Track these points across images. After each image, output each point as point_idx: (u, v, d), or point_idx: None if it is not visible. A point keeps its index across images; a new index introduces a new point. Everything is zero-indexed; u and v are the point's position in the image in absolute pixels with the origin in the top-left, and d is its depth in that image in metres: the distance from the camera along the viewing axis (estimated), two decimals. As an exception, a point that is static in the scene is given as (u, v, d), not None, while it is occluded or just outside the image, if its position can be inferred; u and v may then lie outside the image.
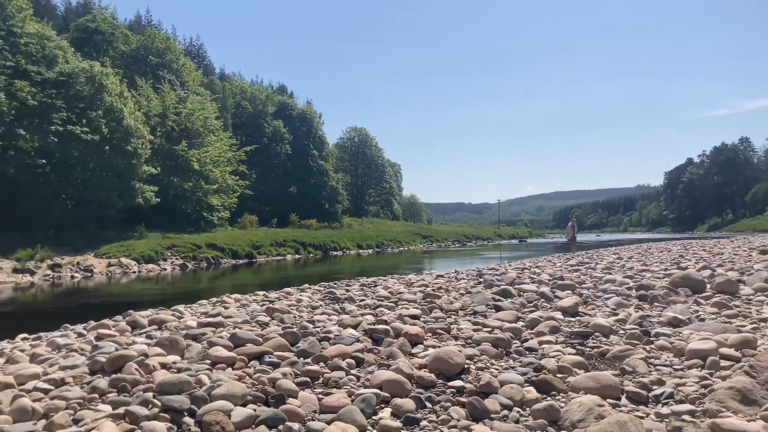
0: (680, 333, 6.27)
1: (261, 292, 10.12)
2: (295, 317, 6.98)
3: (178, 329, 6.41)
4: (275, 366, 4.87)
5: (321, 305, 8.17)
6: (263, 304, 8.27)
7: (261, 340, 5.54)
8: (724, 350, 5.29)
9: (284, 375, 4.58)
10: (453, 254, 39.80)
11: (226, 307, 8.20)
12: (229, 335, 5.67)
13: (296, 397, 4.24)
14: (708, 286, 9.67)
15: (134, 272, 23.71)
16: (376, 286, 10.91)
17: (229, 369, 4.79)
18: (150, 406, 3.97)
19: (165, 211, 34.94)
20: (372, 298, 8.70)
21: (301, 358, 5.05)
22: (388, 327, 6.02)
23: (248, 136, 53.65)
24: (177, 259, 27.19)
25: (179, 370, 4.67)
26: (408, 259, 34.57)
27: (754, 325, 6.75)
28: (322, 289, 10.53)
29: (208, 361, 4.97)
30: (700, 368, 5.00)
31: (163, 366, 4.84)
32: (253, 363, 4.96)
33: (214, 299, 9.57)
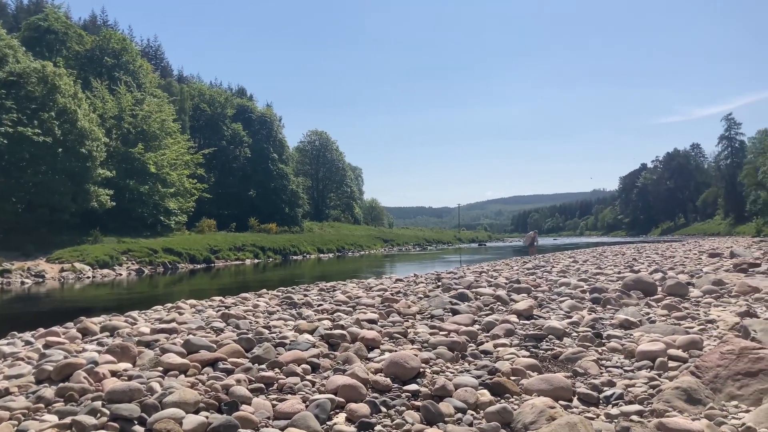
0: (631, 335, 6.42)
1: (217, 298, 10.01)
2: (250, 323, 6.92)
3: (131, 336, 6.29)
4: (229, 372, 4.82)
5: (278, 310, 8.12)
6: (219, 310, 8.17)
7: (215, 346, 5.47)
8: (672, 351, 5.44)
9: (238, 381, 4.53)
10: (414, 258, 39.97)
11: (180, 313, 8.08)
12: (182, 342, 5.59)
13: (250, 404, 4.20)
14: (659, 288, 9.93)
15: (88, 278, 23.16)
16: (334, 290, 10.89)
17: (182, 376, 4.72)
18: (98, 415, 3.88)
19: (121, 215, 34.23)
20: (330, 303, 8.68)
21: (256, 364, 5.01)
22: (344, 332, 6.02)
23: (207, 139, 53.01)
24: (133, 264, 26.67)
25: (130, 378, 4.58)
26: (369, 263, 34.58)
27: (701, 327, 6.95)
28: (279, 294, 10.46)
29: (161, 368, 4.88)
30: (649, 369, 5.13)
31: (114, 374, 4.74)
32: (207, 370, 4.89)
33: (169, 305, 9.42)
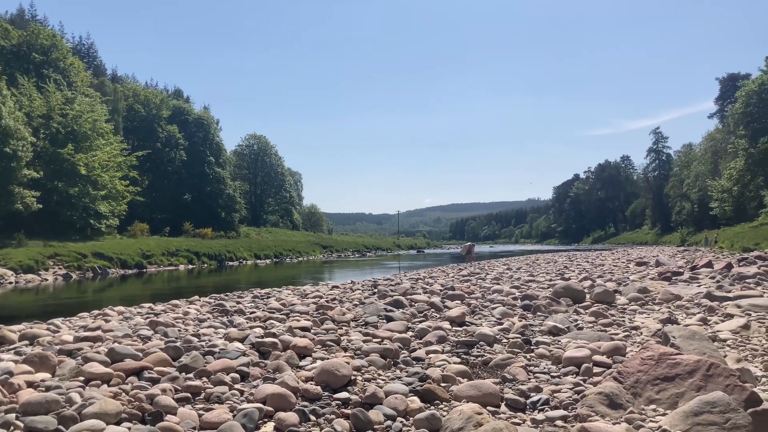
0: (559, 341, 6.59)
1: (147, 305, 9.72)
2: (180, 331, 6.75)
3: (52, 344, 6.04)
4: (155, 382, 4.68)
5: (209, 318, 7.95)
6: (147, 317, 7.94)
7: (141, 354, 5.30)
8: (597, 357, 5.61)
9: (163, 391, 4.40)
10: (352, 264, 39.92)
11: (107, 321, 7.82)
12: (107, 350, 5.40)
13: (175, 414, 4.09)
14: (588, 296, 10.23)
15: (11, 283, 22.11)
16: (268, 297, 10.76)
17: (105, 386, 4.55)
18: (11, 428, 3.70)
19: (48, 218, 32.88)
20: (263, 311, 8.57)
21: (183, 373, 4.88)
22: (276, 340, 5.94)
23: (141, 141, 51.51)
24: (60, 268, 25.63)
25: (48, 389, 4.38)
26: (307, 269, 34.33)
27: (626, 333, 7.20)
28: (212, 301, 10.26)
29: (82, 378, 4.70)
30: (575, 375, 5.27)
31: (30, 384, 4.53)
32: (132, 379, 4.74)
33: (96, 312, 9.09)
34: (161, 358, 5.16)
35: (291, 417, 4.08)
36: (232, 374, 4.91)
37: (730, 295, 9.69)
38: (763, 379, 5.15)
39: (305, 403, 4.41)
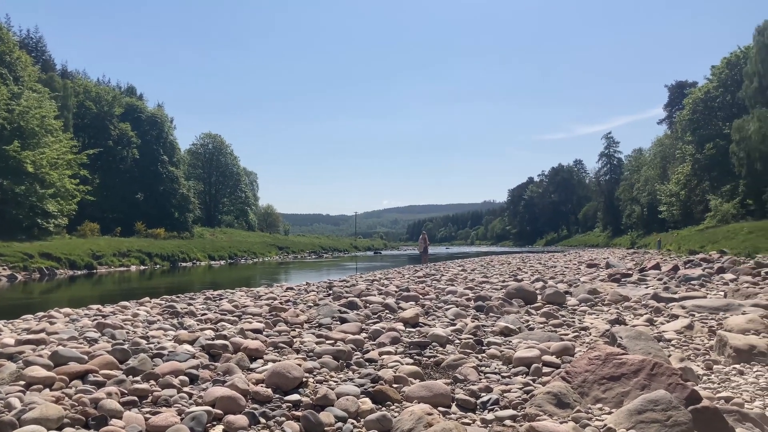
0: (510, 342, 6.68)
1: (95, 306, 9.47)
2: (128, 333, 6.60)
3: (-8, 348, 5.82)
4: (100, 385, 4.56)
5: (159, 320, 7.80)
6: (95, 319, 7.73)
7: (86, 358, 5.16)
8: (546, 357, 5.70)
9: (109, 395, 4.29)
10: (309, 266, 39.70)
11: (52, 323, 7.58)
12: (50, 353, 5.24)
13: (120, 418, 3.99)
14: (539, 297, 10.40)
15: (-50, 284, 21.29)
16: (221, 299, 10.61)
17: (47, 390, 4.41)
18: (-54, 435, 3.56)
19: (-9, 217, 31.78)
20: (215, 312, 8.44)
21: (130, 376, 4.77)
22: (227, 342, 5.86)
23: (92, 139, 50.18)
24: (4, 269, 24.76)
25: (-14, 394, 4.23)
26: (262, 270, 33.99)
27: (575, 334, 7.35)
28: (162, 302, 10.05)
29: (23, 383, 4.55)
30: (524, 375, 5.35)
31: (-33, 390, 4.36)
32: (76, 383, 4.61)
33: (41, 314, 8.81)
34: (108, 361, 5.04)
35: (240, 420, 4.03)
36: (181, 377, 4.82)
37: (676, 296, 9.99)
38: (705, 378, 5.32)
39: (255, 406, 4.36)
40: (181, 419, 4.00)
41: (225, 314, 8.15)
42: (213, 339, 6.15)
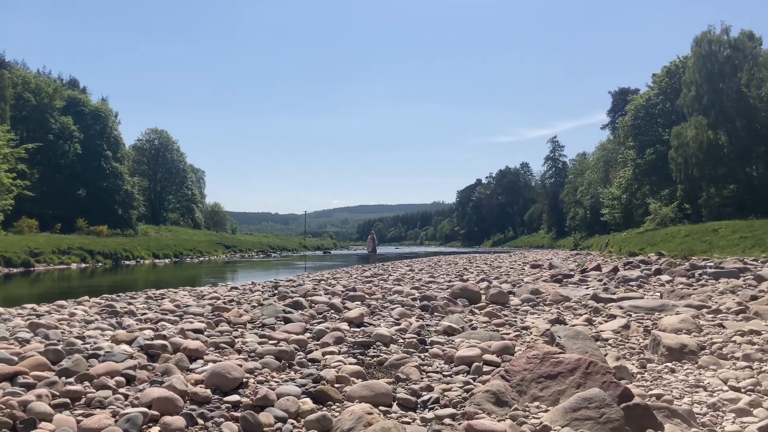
0: (453, 341, 6.75)
1: (30, 305, 9.13)
2: (63, 333, 6.39)
3: None
4: (30, 387, 4.39)
5: (97, 319, 7.58)
6: (28, 319, 7.46)
7: (16, 359, 4.97)
8: (487, 356, 5.79)
9: (39, 397, 4.14)
10: (256, 265, 39.25)
11: (-19, 323, 7.27)
12: (-23, 355, 5.03)
13: (51, 421, 3.86)
14: (483, 297, 10.55)
15: None
16: (163, 298, 10.39)
17: (-28, 393, 4.24)
18: None
19: None
20: (155, 312, 8.26)
21: (63, 378, 4.62)
22: (166, 342, 5.73)
23: (31, 132, 48.43)
24: (-67, 267, 23.70)
25: None
26: (208, 270, 33.43)
27: (517, 333, 7.48)
28: (102, 301, 9.78)
29: (-53, 385, 4.36)
30: (465, 374, 5.41)
31: None
32: (4, 385, 4.43)
33: (-30, 314, 8.44)
34: (39, 362, 4.87)
35: (177, 421, 3.95)
36: (117, 378, 4.70)
37: (615, 297, 10.28)
38: (639, 376, 5.49)
39: (194, 407, 4.29)
40: (116, 421, 3.90)
41: (166, 314, 7.99)
42: (152, 339, 6.01)
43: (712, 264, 17.10)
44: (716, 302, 9.43)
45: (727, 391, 4.84)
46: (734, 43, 42.36)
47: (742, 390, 4.86)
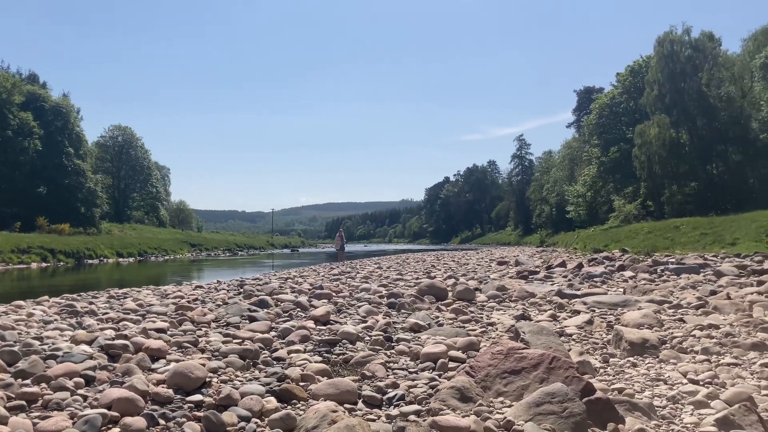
0: (419, 338, 6.76)
1: (-14, 306, 8.88)
2: (20, 334, 6.23)
3: None
4: (-16, 390, 4.27)
5: (56, 320, 7.40)
6: (-16, 320, 7.25)
7: (-30, 361, 4.83)
8: (453, 353, 5.81)
9: (-7, 400, 4.03)
10: (222, 264, 38.85)
11: (-66, 325, 7.05)
12: (-72, 357, 4.87)
13: (6, 424, 3.75)
14: (450, 293, 10.59)
15: None
16: (125, 297, 10.21)
17: None
18: None
19: None
20: (117, 312, 8.11)
21: (19, 380, 4.50)
22: (127, 342, 5.62)
23: (-12, 128, 47.20)
24: None
25: None
26: (173, 268, 33.00)
27: (483, 329, 7.53)
28: (62, 301, 9.56)
29: None
30: (431, 370, 5.42)
31: None
32: (-43, 388, 4.30)
33: None
34: (-6, 364, 4.73)
35: (138, 422, 3.88)
36: (76, 379, 4.59)
37: (579, 292, 10.42)
38: (601, 370, 5.56)
39: (155, 407, 4.21)
40: (74, 423, 3.81)
41: (128, 313, 7.85)
42: (113, 339, 5.89)
43: (673, 260, 17.47)
44: (677, 297, 9.63)
45: (686, 384, 4.94)
46: (695, 43, 43.30)
47: (701, 383, 4.96)
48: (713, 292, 9.83)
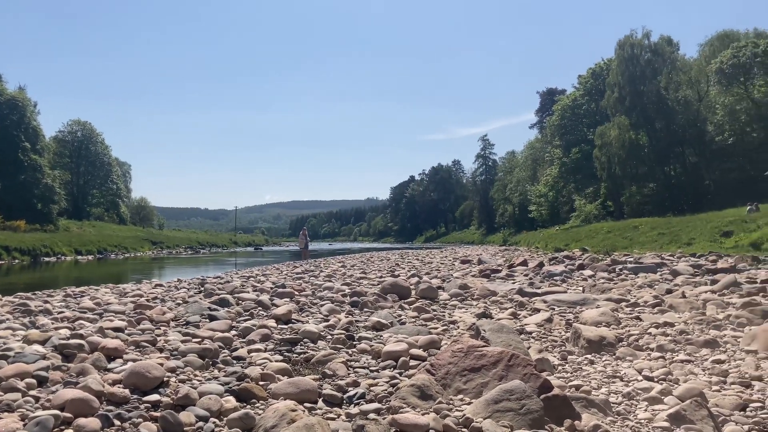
0: (381, 336, 6.77)
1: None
2: (-31, 334, 6.04)
3: None
4: (-70, 392, 4.13)
5: (8, 319, 7.20)
6: (-70, 320, 7.01)
7: None
8: (414, 351, 5.82)
9: (-60, 402, 3.90)
10: (184, 262, 38.30)
11: None
12: None
13: (-47, 427, 3.64)
14: (413, 292, 10.62)
15: None
16: (82, 296, 9.98)
17: None
18: None
19: None
20: (74, 310, 7.92)
21: (-33, 381, 4.37)
22: (83, 341, 5.50)
23: (-60, 122, 45.69)
24: None
25: None
26: (133, 266, 32.41)
27: (444, 327, 7.56)
28: (15, 300, 9.30)
29: None
30: (392, 368, 5.43)
31: None
32: None
33: None
34: (-59, 365, 4.58)
35: (92, 423, 3.80)
36: (28, 379, 4.47)
37: (539, 291, 10.55)
38: (560, 367, 5.65)
39: (110, 408, 4.13)
40: (24, 425, 3.71)
41: (85, 312, 7.67)
42: (68, 338, 5.75)
43: (632, 259, 17.82)
44: (635, 296, 9.83)
45: (641, 380, 5.04)
46: (654, 47, 44.30)
47: (655, 379, 5.08)
48: (669, 291, 10.06)
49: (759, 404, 4.32)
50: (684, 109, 42.30)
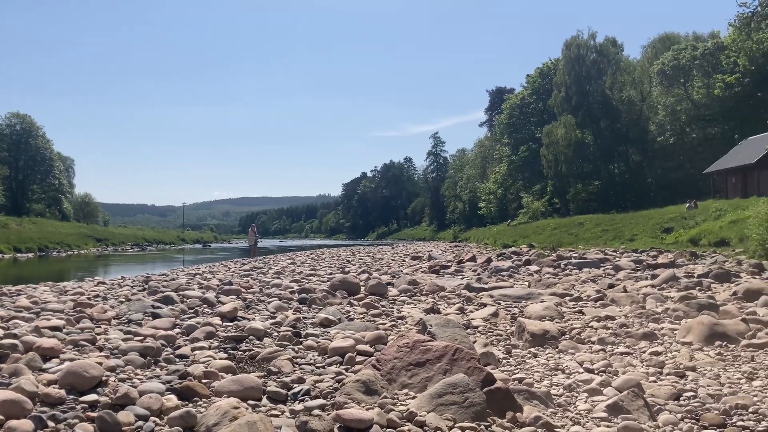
0: (329, 333, 6.74)
1: None
2: None
3: None
4: None
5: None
6: None
7: None
8: (360, 347, 5.83)
9: None
10: (130, 259, 37.39)
11: None
12: None
13: None
14: (363, 288, 10.63)
15: None
16: (19, 295, 9.64)
17: None
18: None
19: None
20: (9, 309, 7.63)
21: None
22: (16, 341, 5.29)
23: None
24: None
25: None
26: (77, 264, 31.46)
27: (393, 323, 7.60)
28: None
29: None
30: (339, 365, 5.42)
31: None
32: None
33: None
34: None
35: (24, 425, 3.66)
36: (-45, 382, 4.29)
37: (486, 286, 10.71)
38: (504, 361, 5.73)
39: (45, 409, 3.99)
40: (-52, 430, 3.55)
41: (20, 311, 7.40)
42: (0, 338, 5.54)
43: (576, 255, 18.26)
44: (578, 290, 10.07)
45: (582, 372, 5.17)
46: (600, 48, 45.41)
47: (596, 371, 5.21)
48: (611, 286, 10.34)
49: (692, 393, 4.48)
50: (628, 109, 43.54)
